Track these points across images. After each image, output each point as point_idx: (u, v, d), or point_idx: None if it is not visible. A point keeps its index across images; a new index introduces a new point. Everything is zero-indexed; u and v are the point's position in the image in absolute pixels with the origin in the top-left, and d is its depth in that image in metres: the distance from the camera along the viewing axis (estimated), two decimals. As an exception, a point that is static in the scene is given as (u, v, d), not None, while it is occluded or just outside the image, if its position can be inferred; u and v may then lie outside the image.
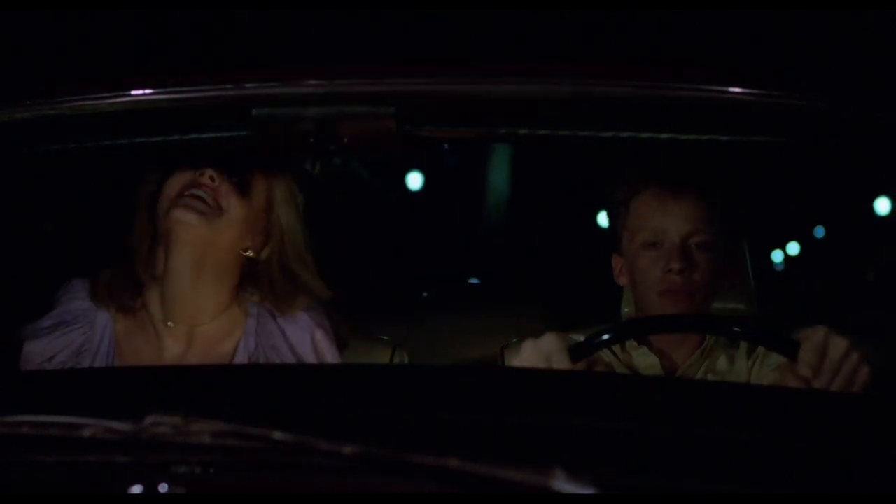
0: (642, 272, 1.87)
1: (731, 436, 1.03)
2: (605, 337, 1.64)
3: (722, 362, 1.87)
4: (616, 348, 1.89)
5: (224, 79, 1.51)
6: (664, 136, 1.61)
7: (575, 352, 1.60)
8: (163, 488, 0.79)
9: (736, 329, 1.71)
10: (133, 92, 1.53)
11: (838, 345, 1.51)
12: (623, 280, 1.97)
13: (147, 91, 1.52)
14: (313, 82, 1.49)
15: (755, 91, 1.48)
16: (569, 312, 2.11)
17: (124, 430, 0.88)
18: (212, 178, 1.78)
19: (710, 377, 1.85)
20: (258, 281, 1.85)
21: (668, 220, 1.85)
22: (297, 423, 0.85)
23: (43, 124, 1.59)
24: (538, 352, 1.58)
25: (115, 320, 1.85)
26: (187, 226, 1.76)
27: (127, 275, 1.87)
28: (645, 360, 1.88)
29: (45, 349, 1.83)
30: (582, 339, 1.66)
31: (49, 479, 0.86)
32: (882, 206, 9.29)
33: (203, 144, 1.68)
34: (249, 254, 1.83)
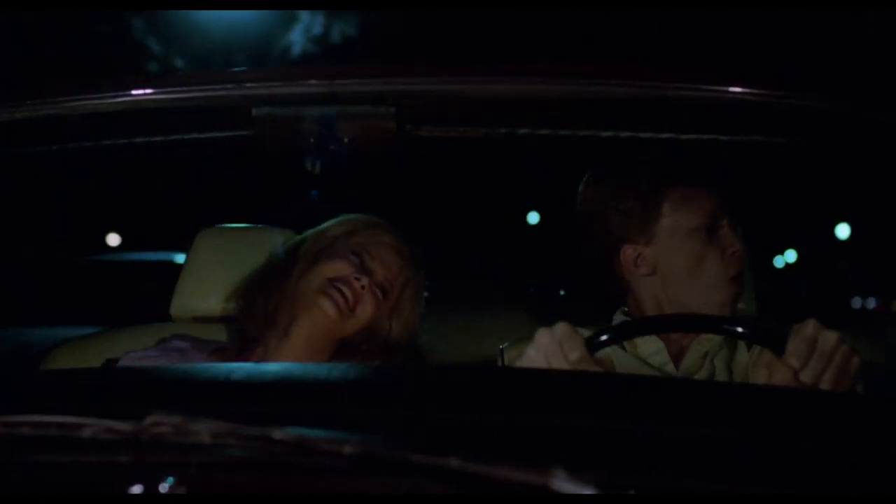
0: (701, 258, 1.83)
1: (731, 436, 1.03)
2: (609, 336, 1.63)
3: (725, 353, 1.86)
4: None
5: (224, 79, 1.51)
6: (664, 135, 1.61)
7: (588, 343, 1.60)
8: (163, 488, 0.79)
9: (724, 326, 1.71)
10: (133, 92, 1.53)
11: (828, 337, 1.50)
12: (644, 270, 1.89)
13: (147, 91, 1.53)
14: (313, 82, 1.49)
15: (755, 91, 1.48)
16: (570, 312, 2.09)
17: (124, 430, 0.88)
18: (363, 287, 1.88)
19: (716, 362, 1.84)
20: (353, 355, 1.92)
21: (716, 204, 1.83)
22: (297, 423, 0.85)
23: (43, 124, 1.59)
24: (551, 338, 1.55)
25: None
26: (325, 315, 1.86)
27: (260, 312, 1.96)
28: (651, 347, 1.86)
29: (138, 364, 1.90)
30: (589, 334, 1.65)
31: (49, 479, 0.86)
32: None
33: (203, 144, 1.69)
34: (358, 340, 1.92)
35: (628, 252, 1.89)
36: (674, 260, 1.86)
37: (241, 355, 1.93)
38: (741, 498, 0.88)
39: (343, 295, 1.86)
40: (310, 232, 2.03)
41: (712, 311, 1.82)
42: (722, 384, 1.71)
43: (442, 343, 2.34)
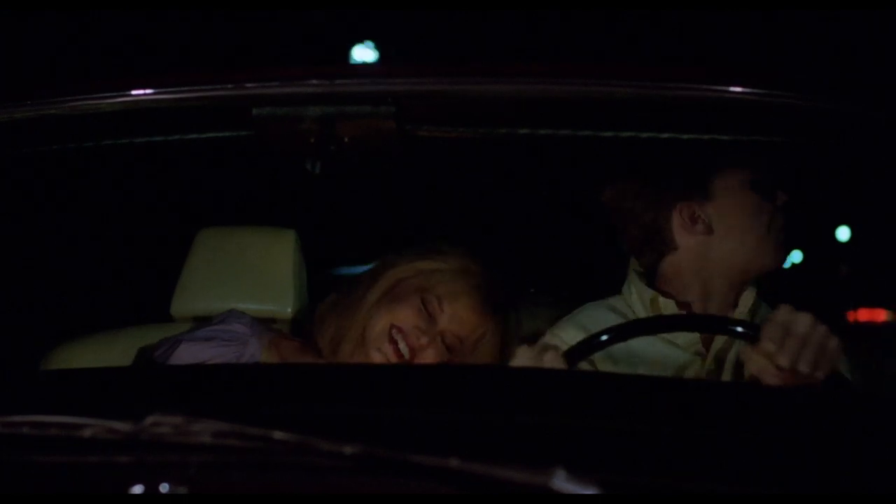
0: (759, 210, 1.84)
1: (731, 436, 1.03)
2: (604, 338, 1.64)
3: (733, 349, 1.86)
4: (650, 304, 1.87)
5: (224, 79, 1.51)
6: (664, 135, 1.61)
7: (571, 355, 1.60)
8: (163, 488, 0.79)
9: (693, 323, 1.72)
10: (133, 92, 1.53)
11: (801, 318, 1.50)
12: (699, 229, 1.85)
13: (147, 91, 1.53)
14: (313, 82, 1.49)
15: (755, 91, 1.48)
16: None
17: (124, 430, 0.88)
18: (423, 345, 1.78)
19: (729, 356, 1.83)
20: None
21: (765, 162, 1.87)
22: (297, 423, 0.85)
23: (43, 124, 1.59)
24: (533, 357, 1.56)
25: (264, 352, 1.89)
26: (377, 361, 1.78)
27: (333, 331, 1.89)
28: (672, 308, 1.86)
29: (198, 354, 1.86)
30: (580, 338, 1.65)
31: (49, 479, 0.86)
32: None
33: (203, 144, 1.68)
34: None
35: (684, 210, 1.86)
36: (731, 215, 1.84)
37: (301, 356, 1.88)
38: (741, 498, 0.88)
39: (398, 350, 1.77)
40: (395, 257, 1.91)
41: (760, 269, 1.85)
42: (722, 384, 1.71)
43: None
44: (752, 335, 1.54)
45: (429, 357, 1.78)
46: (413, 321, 1.79)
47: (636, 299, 1.91)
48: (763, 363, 1.51)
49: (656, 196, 1.89)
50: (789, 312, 1.51)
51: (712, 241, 1.86)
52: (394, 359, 1.78)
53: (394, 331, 1.79)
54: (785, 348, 1.48)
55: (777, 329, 1.50)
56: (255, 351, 1.89)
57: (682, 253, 1.88)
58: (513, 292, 1.89)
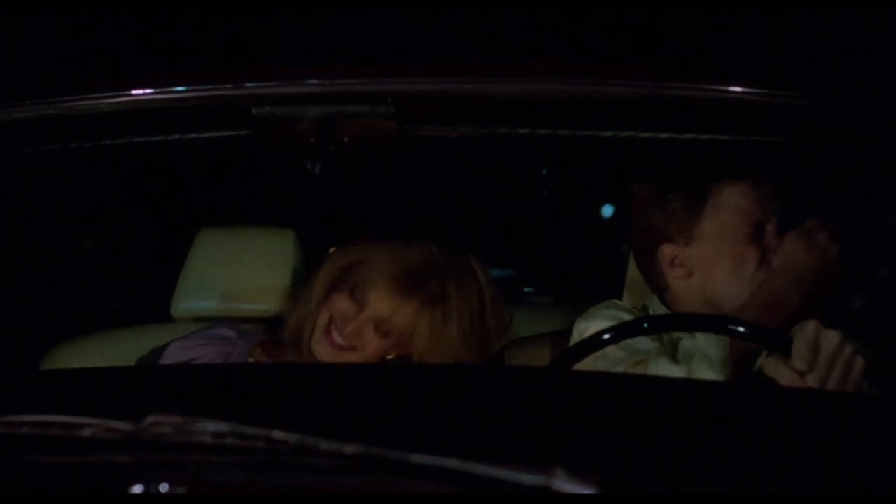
0: (741, 262, 1.77)
1: (731, 436, 1.03)
2: (611, 336, 1.63)
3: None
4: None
5: (224, 79, 1.51)
6: (664, 135, 1.61)
7: (571, 355, 1.59)
8: (163, 488, 0.79)
9: (731, 327, 1.68)
10: (133, 92, 1.53)
11: (830, 338, 1.48)
12: (679, 273, 1.82)
13: (147, 91, 1.53)
14: (313, 82, 1.49)
15: (755, 91, 1.48)
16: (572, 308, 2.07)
17: (124, 430, 0.88)
18: (355, 329, 1.78)
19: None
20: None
21: (765, 209, 1.78)
22: (297, 423, 0.85)
23: (43, 124, 1.59)
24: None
25: (251, 354, 1.91)
26: (320, 357, 1.79)
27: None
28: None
29: (184, 353, 1.89)
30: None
31: (49, 479, 0.86)
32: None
33: (203, 144, 1.68)
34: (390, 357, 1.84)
35: (666, 251, 1.83)
36: (712, 263, 1.81)
37: (281, 355, 1.90)
38: (741, 498, 0.88)
39: (335, 339, 1.79)
40: (337, 250, 1.93)
41: (747, 317, 1.70)
42: (722, 384, 1.71)
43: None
44: (785, 349, 1.49)
45: (367, 346, 1.78)
46: (343, 310, 1.80)
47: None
48: (791, 377, 1.50)
49: (645, 231, 1.86)
50: (817, 329, 1.48)
51: (693, 283, 1.83)
52: (333, 351, 1.78)
53: (330, 324, 1.80)
54: (815, 368, 1.46)
55: (807, 349, 1.47)
56: (242, 350, 1.91)
57: (674, 290, 1.85)
58: (454, 269, 1.85)
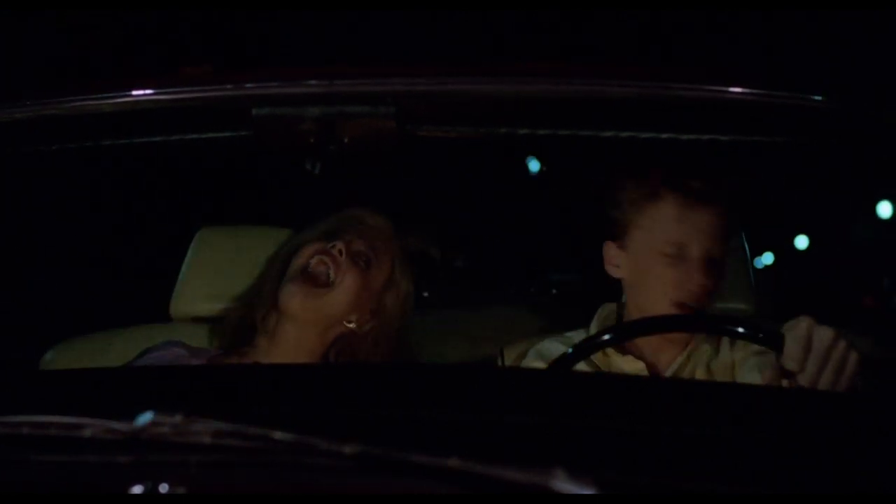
0: (657, 278, 1.80)
1: (732, 435, 1.02)
2: (609, 337, 1.63)
3: (708, 354, 1.85)
4: (599, 357, 1.82)
5: (224, 79, 1.51)
6: (664, 135, 1.61)
7: (587, 342, 1.60)
8: (163, 488, 0.79)
9: (723, 326, 1.69)
10: (133, 92, 1.53)
11: (823, 335, 1.46)
12: (618, 272, 1.89)
13: (147, 91, 1.53)
14: (313, 82, 1.49)
15: (755, 91, 1.48)
16: (569, 310, 2.08)
17: (124, 430, 0.88)
18: (340, 252, 1.83)
19: (697, 372, 1.83)
20: (354, 350, 1.88)
21: (691, 234, 1.78)
22: (297, 423, 0.85)
23: (43, 124, 1.59)
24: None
25: None
26: (292, 305, 1.81)
27: (245, 321, 1.94)
28: (631, 367, 1.83)
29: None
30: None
31: (49, 479, 0.86)
32: (884, 209, 9.24)
33: (203, 144, 1.68)
34: (352, 325, 1.86)
35: (611, 249, 1.90)
36: (639, 273, 1.85)
37: (238, 360, 1.90)
38: (741, 498, 0.88)
39: (311, 276, 1.82)
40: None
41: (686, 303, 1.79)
42: (721, 384, 1.71)
43: (442, 343, 2.35)
44: (777, 347, 1.49)
45: (347, 271, 1.82)
46: (318, 249, 1.85)
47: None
48: (783, 375, 1.49)
49: (599, 223, 1.91)
50: (809, 326, 1.47)
51: (626, 284, 1.89)
52: (309, 290, 1.81)
53: (305, 268, 1.84)
54: (807, 366, 1.45)
55: (798, 347, 1.46)
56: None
57: (623, 286, 1.91)
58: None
